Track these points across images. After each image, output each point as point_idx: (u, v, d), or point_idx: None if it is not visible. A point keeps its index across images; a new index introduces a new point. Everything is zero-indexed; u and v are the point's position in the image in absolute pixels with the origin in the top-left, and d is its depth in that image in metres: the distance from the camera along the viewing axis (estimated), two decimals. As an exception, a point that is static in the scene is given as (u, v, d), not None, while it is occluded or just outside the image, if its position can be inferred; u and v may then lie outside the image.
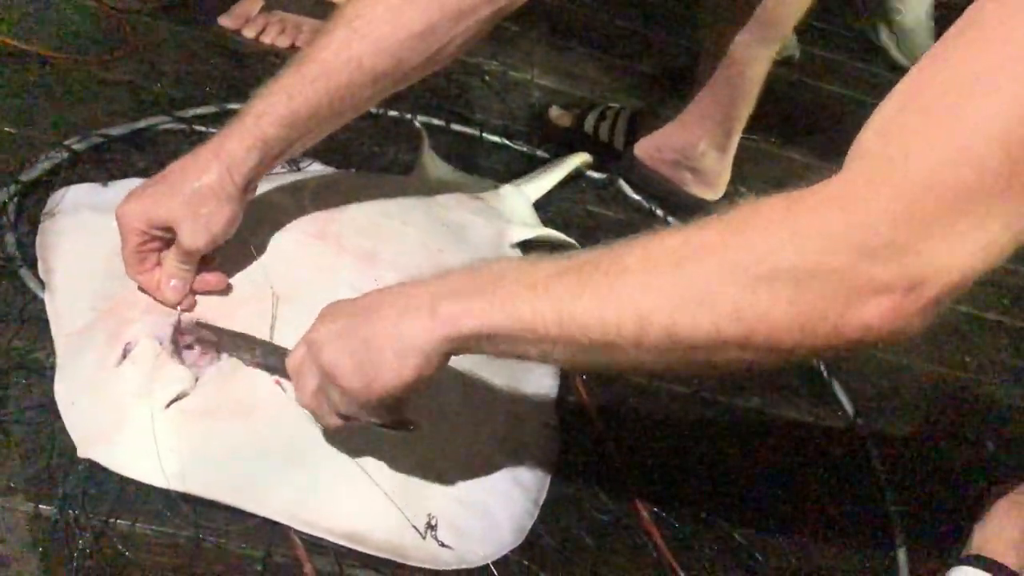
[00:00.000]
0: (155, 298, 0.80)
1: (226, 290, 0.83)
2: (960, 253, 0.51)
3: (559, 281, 0.60)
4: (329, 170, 1.07)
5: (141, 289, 0.81)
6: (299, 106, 0.80)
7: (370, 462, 0.77)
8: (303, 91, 0.80)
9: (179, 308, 0.80)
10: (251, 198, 0.82)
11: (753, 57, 1.19)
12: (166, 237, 0.79)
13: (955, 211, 0.51)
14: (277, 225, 0.89)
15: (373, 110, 1.21)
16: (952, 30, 0.54)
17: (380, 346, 0.65)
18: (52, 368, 0.78)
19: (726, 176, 1.31)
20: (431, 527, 0.76)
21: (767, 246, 0.54)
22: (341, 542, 0.74)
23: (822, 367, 1.11)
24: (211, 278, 0.82)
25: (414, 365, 0.64)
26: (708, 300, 0.55)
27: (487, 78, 1.41)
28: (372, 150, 1.17)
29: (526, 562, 0.79)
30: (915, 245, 0.51)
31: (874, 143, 0.54)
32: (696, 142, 1.26)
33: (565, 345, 0.60)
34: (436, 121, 1.25)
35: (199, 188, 0.77)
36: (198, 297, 0.82)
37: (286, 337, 0.78)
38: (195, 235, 0.78)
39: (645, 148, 1.30)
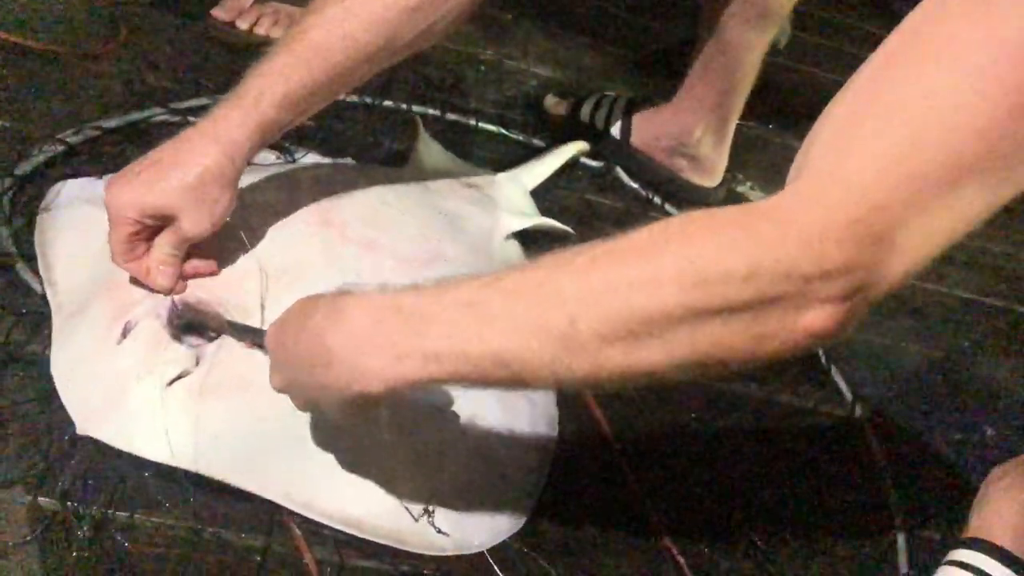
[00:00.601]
0: (145, 286, 0.79)
1: (218, 273, 0.82)
2: (905, 260, 0.52)
3: (501, 318, 0.56)
4: (325, 161, 1.07)
5: (132, 280, 0.80)
6: (295, 87, 0.79)
7: (368, 448, 0.77)
8: (298, 71, 0.79)
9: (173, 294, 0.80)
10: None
11: (748, 43, 1.19)
12: (158, 225, 0.78)
13: (902, 224, 0.51)
14: (279, 214, 0.89)
15: (368, 100, 1.21)
16: (898, 38, 0.54)
17: (335, 377, 0.62)
18: (48, 360, 0.77)
19: (723, 163, 1.31)
20: (428, 513, 0.76)
21: (714, 265, 0.52)
22: (337, 526, 0.74)
23: (820, 352, 1.11)
24: (201, 264, 0.81)
25: (365, 399, 0.62)
26: (657, 331, 0.53)
27: (482, 67, 1.41)
28: (367, 140, 1.17)
29: (525, 548, 0.79)
30: (862, 261, 0.51)
31: (822, 159, 0.54)
32: (692, 129, 1.26)
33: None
34: (431, 111, 1.25)
35: (200, 174, 0.76)
36: (205, 281, 0.82)
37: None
38: (199, 223, 0.77)
39: (641, 136, 1.30)
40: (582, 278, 0.55)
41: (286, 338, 0.67)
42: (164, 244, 0.78)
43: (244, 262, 0.84)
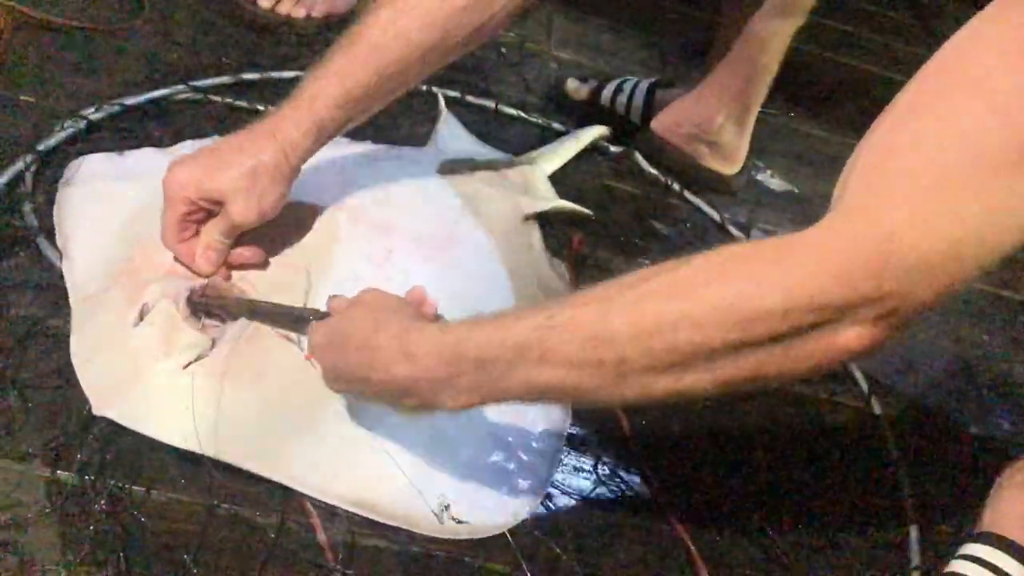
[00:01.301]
0: (190, 268, 0.81)
1: (263, 264, 0.84)
2: (936, 284, 0.55)
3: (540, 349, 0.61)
4: (343, 141, 1.07)
5: (178, 260, 0.81)
6: (351, 86, 0.81)
7: (384, 432, 0.77)
8: (354, 71, 0.81)
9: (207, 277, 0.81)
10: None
11: (773, 30, 1.17)
12: (212, 209, 0.80)
13: (934, 255, 0.54)
14: (294, 194, 0.89)
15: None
16: (932, 68, 0.56)
17: (413, 405, 0.68)
18: (69, 335, 0.78)
19: (744, 150, 1.29)
20: (444, 507, 0.76)
21: (753, 305, 0.55)
22: (352, 509, 0.75)
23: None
24: (248, 252, 0.83)
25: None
26: (702, 362, 0.57)
27: (503, 50, 1.40)
28: (386, 121, 1.17)
29: (537, 532, 0.79)
30: (894, 290, 0.54)
31: (855, 192, 0.56)
32: (714, 116, 1.25)
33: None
34: (451, 93, 1.25)
35: (255, 166, 0.79)
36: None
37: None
38: (247, 211, 0.79)
39: (662, 122, 1.29)
40: (629, 318, 0.58)
41: (350, 367, 0.69)
42: (213, 230, 0.80)
43: (263, 243, 0.85)
